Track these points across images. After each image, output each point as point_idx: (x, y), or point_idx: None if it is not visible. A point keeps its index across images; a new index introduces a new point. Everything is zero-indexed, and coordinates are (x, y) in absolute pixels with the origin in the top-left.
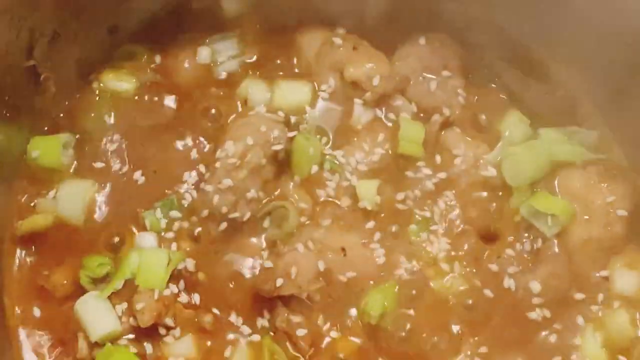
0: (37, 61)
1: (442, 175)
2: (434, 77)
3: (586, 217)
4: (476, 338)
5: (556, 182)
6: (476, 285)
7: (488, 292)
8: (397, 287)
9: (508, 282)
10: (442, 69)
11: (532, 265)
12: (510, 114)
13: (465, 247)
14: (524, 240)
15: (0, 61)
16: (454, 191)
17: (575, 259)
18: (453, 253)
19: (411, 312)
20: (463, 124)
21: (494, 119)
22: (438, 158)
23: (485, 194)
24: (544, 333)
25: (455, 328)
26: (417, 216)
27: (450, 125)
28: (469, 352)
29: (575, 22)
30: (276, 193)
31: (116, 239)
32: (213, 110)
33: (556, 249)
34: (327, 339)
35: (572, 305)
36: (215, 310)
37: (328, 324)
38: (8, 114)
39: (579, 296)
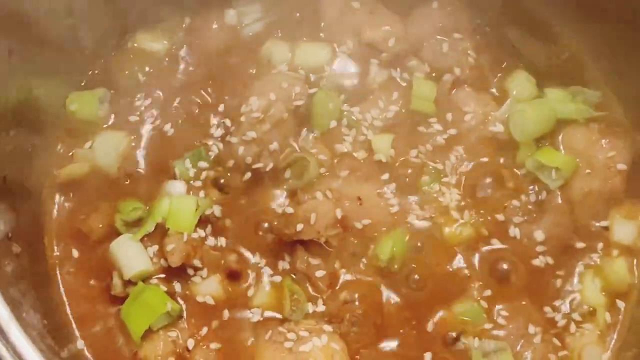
0: (76, 20)
1: (452, 131)
2: (445, 39)
3: (588, 170)
4: (483, 282)
5: (560, 138)
6: (483, 233)
7: (494, 240)
8: (407, 233)
9: (514, 231)
10: (454, 31)
11: (537, 215)
12: (517, 74)
13: (474, 198)
14: (529, 192)
15: (44, 19)
16: (463, 146)
17: (577, 210)
18: (463, 203)
19: (420, 256)
20: (473, 83)
21: (502, 78)
22: (449, 115)
23: (493, 148)
24: (546, 279)
25: (462, 272)
26: (430, 168)
27: (461, 84)
28: (475, 294)
29: None
30: (297, 146)
31: (148, 187)
32: (239, 69)
33: (559, 201)
34: (342, 281)
35: (573, 253)
36: (240, 254)
37: (344, 267)
38: (48, 69)
39: (580, 245)
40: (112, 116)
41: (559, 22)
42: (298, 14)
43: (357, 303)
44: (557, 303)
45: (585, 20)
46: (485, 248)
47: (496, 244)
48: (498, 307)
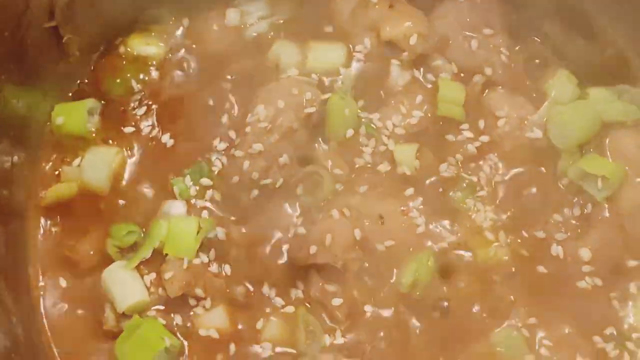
0: (58, 22)
1: (484, 138)
2: (474, 35)
3: (638, 179)
4: (525, 308)
5: (606, 143)
6: (522, 254)
7: (534, 261)
8: (433, 255)
9: (556, 250)
10: (484, 26)
11: (582, 231)
12: (556, 73)
13: (511, 213)
14: (573, 204)
15: (18, 20)
16: (497, 154)
17: (628, 224)
18: (499, 223)
19: (449, 281)
20: (506, 84)
21: (539, 78)
22: (480, 121)
23: (530, 156)
24: (594, 303)
25: (498, 298)
26: (463, 183)
27: (493, 86)
28: (514, 322)
29: None
30: (309, 159)
31: (144, 208)
32: (243, 75)
33: (607, 214)
34: (361, 309)
35: (624, 273)
36: (247, 282)
37: (364, 294)
38: (28, 79)
39: (632, 263)
40: (103, 129)
41: (602, 15)
42: (308, 11)
43: (379, 335)
44: (607, 331)
45: (630, 13)
46: (524, 270)
47: (538, 266)
48: (540, 335)
